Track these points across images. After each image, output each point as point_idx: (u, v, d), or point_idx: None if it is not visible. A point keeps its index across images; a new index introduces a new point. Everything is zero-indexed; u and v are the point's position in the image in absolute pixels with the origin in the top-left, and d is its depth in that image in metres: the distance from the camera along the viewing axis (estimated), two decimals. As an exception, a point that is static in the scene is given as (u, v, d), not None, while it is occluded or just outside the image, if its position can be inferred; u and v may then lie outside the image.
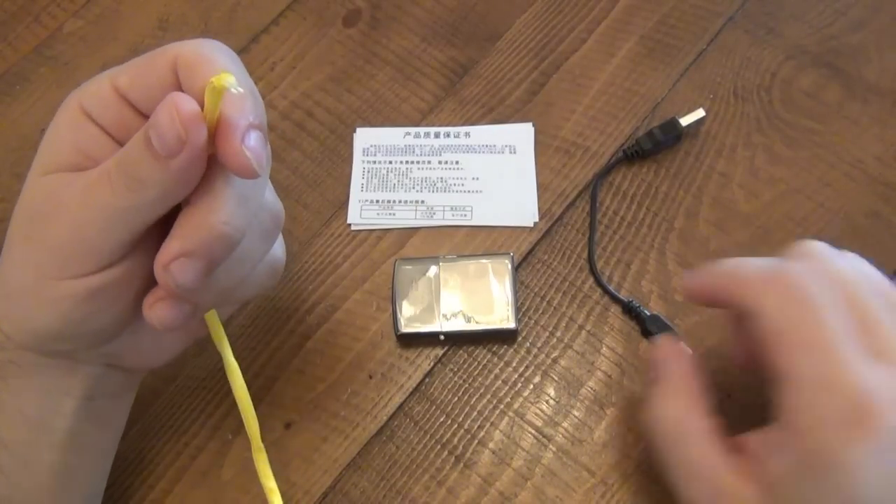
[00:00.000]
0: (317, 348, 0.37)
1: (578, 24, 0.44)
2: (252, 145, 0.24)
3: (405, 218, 0.40)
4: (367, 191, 0.41)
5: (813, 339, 0.25)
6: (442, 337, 0.36)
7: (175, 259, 0.24)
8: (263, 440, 0.35)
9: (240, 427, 0.36)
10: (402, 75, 0.43)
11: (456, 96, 0.43)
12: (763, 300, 0.26)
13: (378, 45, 0.44)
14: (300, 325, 0.38)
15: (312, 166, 0.41)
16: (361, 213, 0.40)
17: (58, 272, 0.25)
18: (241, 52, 0.44)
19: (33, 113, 0.44)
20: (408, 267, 0.37)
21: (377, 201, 0.40)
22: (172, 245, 0.24)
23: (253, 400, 0.36)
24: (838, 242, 0.38)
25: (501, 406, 0.36)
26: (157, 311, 0.26)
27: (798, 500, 0.25)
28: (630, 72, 0.43)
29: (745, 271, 0.27)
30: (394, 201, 0.40)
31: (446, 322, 0.36)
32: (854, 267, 0.27)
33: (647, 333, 0.36)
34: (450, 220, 0.40)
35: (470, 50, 0.44)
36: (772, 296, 0.26)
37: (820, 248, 0.28)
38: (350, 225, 0.40)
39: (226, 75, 0.23)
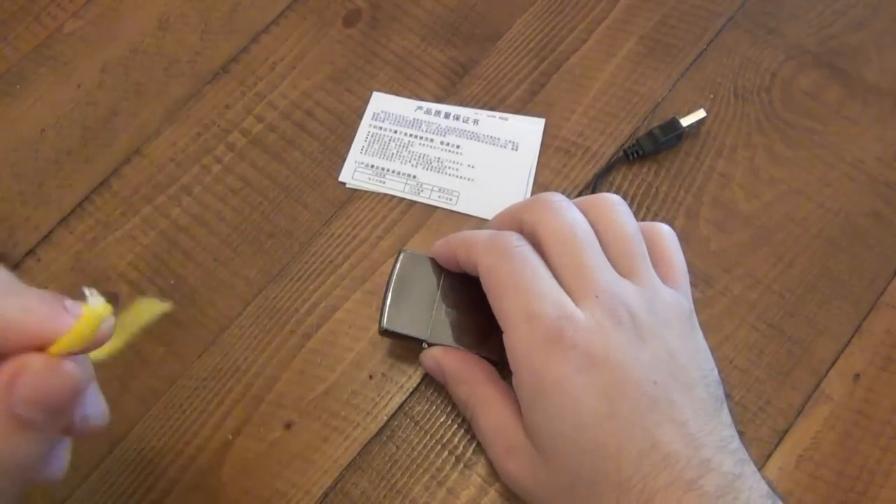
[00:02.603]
0: (317, 348, 0.37)
1: (579, 24, 0.44)
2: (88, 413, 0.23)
3: (394, 189, 0.40)
4: (366, 154, 0.41)
5: (515, 284, 0.29)
6: (425, 345, 0.34)
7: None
8: (263, 440, 0.35)
9: (240, 427, 0.36)
10: (402, 75, 0.43)
11: (456, 96, 0.43)
12: (482, 259, 0.31)
13: (378, 45, 0.44)
14: (300, 325, 0.38)
15: (312, 166, 0.41)
16: (355, 173, 0.41)
17: None
18: (242, 52, 0.44)
19: (33, 113, 0.44)
20: (413, 260, 0.35)
21: (372, 166, 0.41)
22: None
23: (253, 400, 0.36)
24: (838, 242, 0.38)
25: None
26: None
27: (541, 431, 0.29)
28: (630, 72, 0.43)
29: (474, 238, 0.32)
30: (387, 170, 0.41)
31: (434, 335, 0.34)
32: (575, 218, 0.31)
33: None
34: (436, 200, 0.40)
35: (470, 50, 0.44)
36: (487, 256, 0.31)
37: (552, 200, 0.32)
38: (344, 183, 0.40)
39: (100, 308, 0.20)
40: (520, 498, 0.31)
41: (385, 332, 0.34)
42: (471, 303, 0.34)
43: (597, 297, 0.29)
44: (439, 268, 0.35)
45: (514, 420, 0.31)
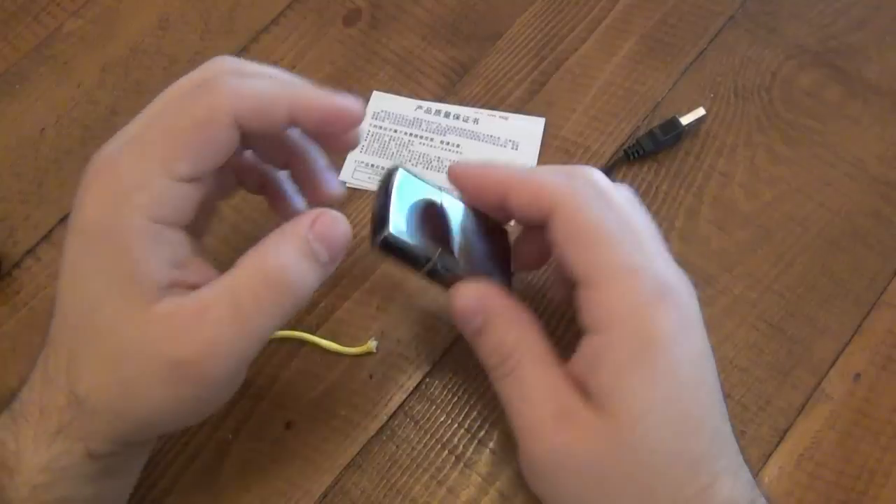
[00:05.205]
0: (317, 348, 0.37)
1: (579, 24, 0.44)
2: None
3: None
4: (366, 153, 0.41)
5: (623, 234, 0.26)
6: (425, 272, 0.28)
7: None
8: (263, 440, 0.35)
9: (240, 427, 0.36)
10: (403, 75, 0.43)
11: (456, 96, 0.43)
12: (573, 199, 0.27)
13: (378, 45, 0.44)
14: (300, 326, 0.38)
15: (312, 166, 0.41)
16: (354, 173, 0.41)
17: (211, 404, 0.27)
18: (242, 51, 0.44)
19: (33, 112, 0.44)
20: (412, 180, 0.29)
21: (372, 165, 0.41)
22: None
23: (253, 399, 0.36)
24: (838, 242, 0.38)
25: (502, 406, 0.35)
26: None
27: (632, 394, 0.25)
28: (630, 71, 0.43)
29: (544, 176, 0.28)
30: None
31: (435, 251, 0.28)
32: (627, 194, 0.29)
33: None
34: None
35: (470, 49, 0.44)
36: (582, 195, 0.27)
37: (599, 175, 0.28)
38: (344, 182, 0.40)
39: None
40: (519, 498, 0.31)
41: (385, 244, 0.27)
42: (478, 234, 0.30)
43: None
44: (438, 193, 0.30)
45: (567, 383, 0.26)
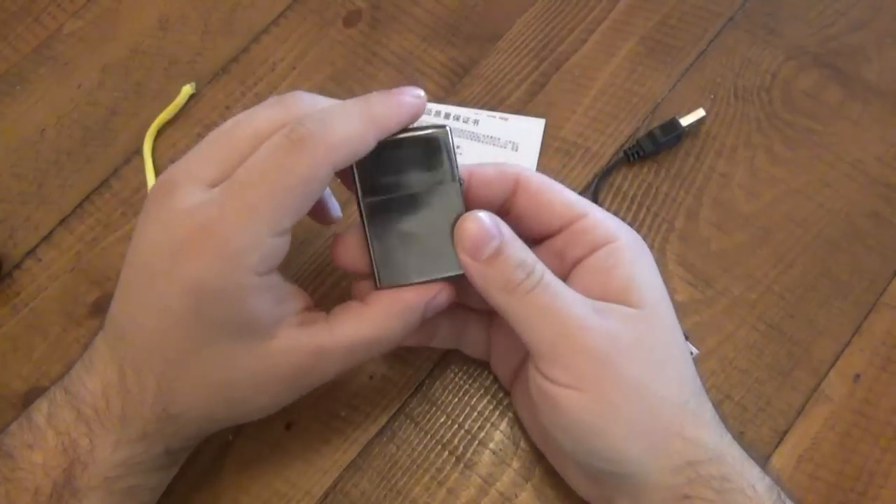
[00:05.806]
0: (317, 349, 0.37)
1: (579, 25, 0.44)
2: None
3: None
4: None
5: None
6: (459, 179, 0.30)
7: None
8: (263, 441, 0.35)
9: (240, 427, 0.36)
10: (403, 75, 0.43)
11: (456, 97, 0.43)
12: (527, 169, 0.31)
13: (378, 45, 0.44)
14: (300, 326, 0.38)
15: (313, 167, 0.41)
16: None
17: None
18: (242, 52, 0.44)
19: (33, 113, 0.44)
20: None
21: None
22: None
23: (253, 400, 0.36)
24: (838, 243, 0.38)
25: (502, 406, 0.36)
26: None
27: (644, 283, 0.29)
28: (630, 72, 0.43)
29: (507, 165, 0.31)
30: None
31: None
32: None
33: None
34: None
35: (470, 50, 0.44)
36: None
37: None
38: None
39: None
40: (520, 499, 0.31)
41: (451, 134, 0.30)
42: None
43: None
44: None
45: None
